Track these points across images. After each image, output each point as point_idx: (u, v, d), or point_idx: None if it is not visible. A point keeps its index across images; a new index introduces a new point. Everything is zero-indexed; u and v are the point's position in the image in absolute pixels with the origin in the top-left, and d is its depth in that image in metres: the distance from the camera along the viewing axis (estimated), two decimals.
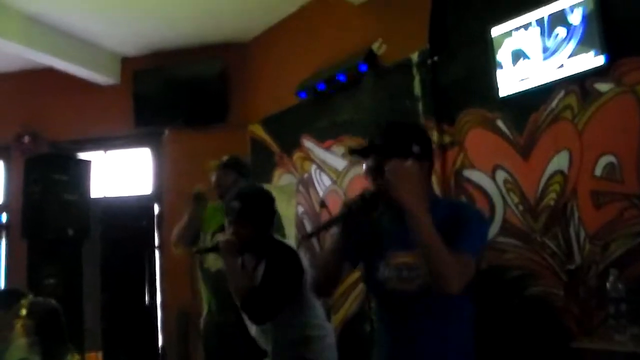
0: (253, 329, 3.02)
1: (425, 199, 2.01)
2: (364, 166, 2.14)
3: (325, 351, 2.96)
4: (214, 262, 3.67)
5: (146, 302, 5.84)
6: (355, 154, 2.19)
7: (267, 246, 2.95)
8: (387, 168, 1.96)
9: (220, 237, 2.96)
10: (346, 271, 2.29)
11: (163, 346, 6.16)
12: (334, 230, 2.16)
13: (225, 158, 3.95)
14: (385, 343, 2.18)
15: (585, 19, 3.56)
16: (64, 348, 3.53)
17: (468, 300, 2.09)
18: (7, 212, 6.95)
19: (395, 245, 2.11)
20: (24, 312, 3.59)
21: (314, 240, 5.12)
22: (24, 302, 3.84)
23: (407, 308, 2.08)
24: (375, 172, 2.08)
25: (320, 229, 2.34)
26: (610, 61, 3.45)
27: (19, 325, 3.92)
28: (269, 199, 3.05)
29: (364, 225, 2.18)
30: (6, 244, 6.85)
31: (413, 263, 2.04)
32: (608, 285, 3.02)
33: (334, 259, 2.15)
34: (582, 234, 3.55)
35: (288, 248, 3.00)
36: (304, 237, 5.10)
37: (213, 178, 3.90)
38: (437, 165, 4.34)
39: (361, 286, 4.72)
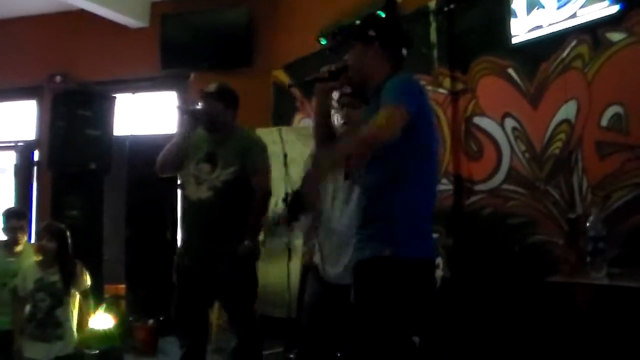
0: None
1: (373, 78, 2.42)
2: None
3: None
4: (194, 190, 3.56)
5: (168, 238, 6.01)
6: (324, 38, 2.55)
7: None
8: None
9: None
10: None
11: None
12: None
13: (213, 87, 3.66)
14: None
15: None
16: (73, 263, 3.75)
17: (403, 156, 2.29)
18: (38, 149, 7.25)
19: None
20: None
21: None
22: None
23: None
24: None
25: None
26: (624, 10, 3.38)
27: (29, 246, 4.18)
28: None
29: None
30: (37, 178, 7.20)
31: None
32: (588, 223, 3.01)
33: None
34: (585, 184, 3.56)
35: None
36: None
37: (200, 106, 3.67)
38: (448, 112, 4.40)
39: None
